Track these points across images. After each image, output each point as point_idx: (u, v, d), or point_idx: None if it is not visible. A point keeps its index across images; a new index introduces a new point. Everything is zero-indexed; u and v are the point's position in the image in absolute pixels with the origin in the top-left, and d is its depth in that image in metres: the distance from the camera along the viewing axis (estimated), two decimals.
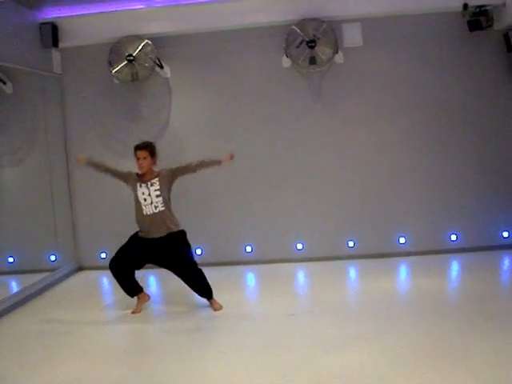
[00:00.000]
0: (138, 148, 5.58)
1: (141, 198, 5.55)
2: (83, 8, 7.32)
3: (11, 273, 7.52)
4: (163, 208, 5.57)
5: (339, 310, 5.58)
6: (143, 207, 5.55)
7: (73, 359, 4.71)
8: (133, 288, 5.79)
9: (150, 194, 5.54)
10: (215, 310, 5.74)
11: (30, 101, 7.60)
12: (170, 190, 5.67)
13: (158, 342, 5.15)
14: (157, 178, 5.59)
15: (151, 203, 5.54)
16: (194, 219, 7.53)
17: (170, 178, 5.65)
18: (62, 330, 5.50)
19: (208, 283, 5.78)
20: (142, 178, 5.62)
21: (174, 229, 5.63)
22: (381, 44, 7.29)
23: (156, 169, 5.70)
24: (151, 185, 5.55)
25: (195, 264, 5.73)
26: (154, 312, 5.89)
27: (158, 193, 5.55)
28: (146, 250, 5.61)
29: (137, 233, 5.70)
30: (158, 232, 5.58)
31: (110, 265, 5.69)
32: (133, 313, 5.76)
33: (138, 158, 5.55)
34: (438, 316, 5.14)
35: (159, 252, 5.61)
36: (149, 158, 5.56)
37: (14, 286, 7.26)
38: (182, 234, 5.71)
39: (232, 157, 5.82)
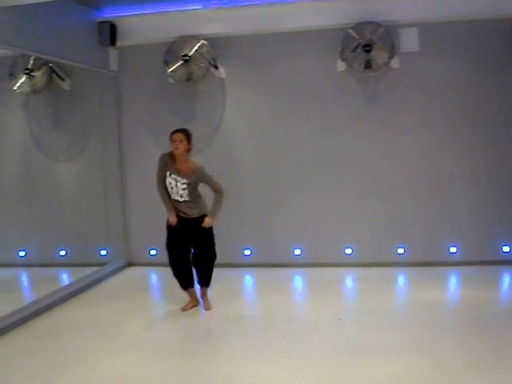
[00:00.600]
0: (174, 131, 5.62)
1: (168, 185, 5.66)
2: (141, 8, 7.41)
3: (63, 265, 7.69)
4: (188, 198, 5.65)
5: (385, 317, 5.52)
6: (171, 193, 5.68)
7: (116, 354, 4.81)
8: (188, 280, 5.85)
9: (176, 185, 5.62)
10: (206, 309, 5.84)
11: (87, 98, 7.79)
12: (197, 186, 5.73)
13: (200, 341, 5.15)
14: (189, 178, 5.58)
15: (177, 193, 5.65)
16: (245, 220, 7.61)
17: (198, 181, 5.67)
18: (108, 324, 5.58)
19: (212, 271, 5.86)
20: (176, 166, 5.62)
21: (204, 211, 5.71)
22: (437, 50, 7.15)
23: (193, 164, 5.69)
24: (181, 178, 5.58)
25: (214, 249, 5.82)
26: (200, 311, 5.90)
27: (185, 186, 5.61)
28: (184, 227, 5.69)
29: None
30: (188, 213, 5.68)
31: (170, 262, 5.79)
32: (182, 310, 5.85)
33: (174, 141, 5.54)
34: (486, 328, 5.04)
35: (193, 227, 5.68)
36: (185, 142, 5.57)
37: (65, 279, 7.42)
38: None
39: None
